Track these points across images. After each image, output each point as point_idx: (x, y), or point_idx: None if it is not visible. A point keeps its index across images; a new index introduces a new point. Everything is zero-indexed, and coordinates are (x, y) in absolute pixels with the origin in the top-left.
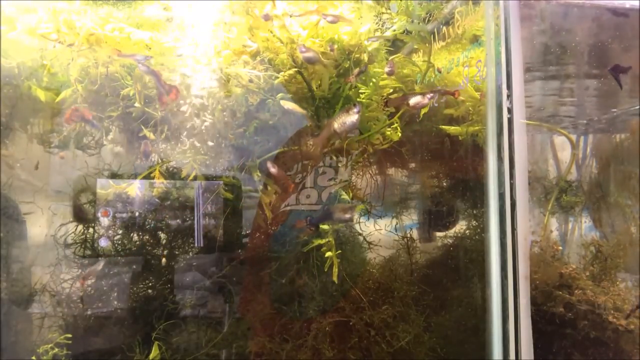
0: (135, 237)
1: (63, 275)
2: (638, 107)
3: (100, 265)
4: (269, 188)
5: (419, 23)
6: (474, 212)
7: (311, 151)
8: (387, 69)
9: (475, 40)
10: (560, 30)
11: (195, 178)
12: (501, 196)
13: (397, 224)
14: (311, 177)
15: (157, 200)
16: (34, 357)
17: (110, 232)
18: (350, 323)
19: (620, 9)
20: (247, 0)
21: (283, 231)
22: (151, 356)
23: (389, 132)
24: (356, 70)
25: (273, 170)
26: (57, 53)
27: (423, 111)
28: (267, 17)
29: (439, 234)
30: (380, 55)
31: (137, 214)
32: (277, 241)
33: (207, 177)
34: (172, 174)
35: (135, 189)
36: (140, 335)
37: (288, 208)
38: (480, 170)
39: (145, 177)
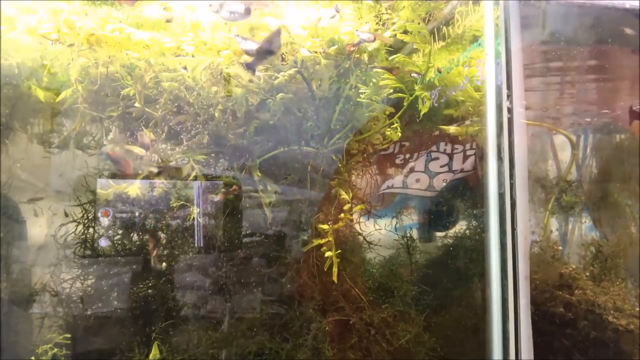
0: (135, 237)
1: (63, 275)
2: (638, 107)
3: None
4: (268, 188)
5: (418, 23)
6: (474, 212)
7: None
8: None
9: (475, 40)
10: (560, 30)
11: (195, 178)
12: (501, 196)
13: (397, 223)
14: (422, 161)
15: (156, 199)
16: (33, 358)
17: (110, 232)
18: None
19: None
20: (247, 0)
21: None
22: (151, 356)
23: (389, 132)
24: (357, 40)
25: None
26: (57, 53)
27: (423, 111)
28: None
29: (439, 234)
30: (380, 55)
31: (137, 213)
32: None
33: (207, 177)
34: (172, 175)
35: (135, 189)
36: (140, 335)
37: (393, 191)
38: (480, 170)
39: (145, 177)
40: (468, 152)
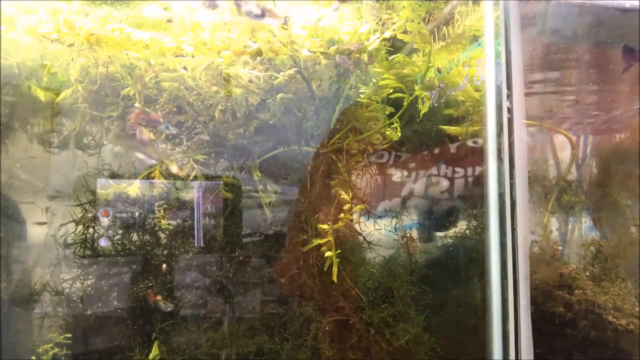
0: (135, 237)
1: (63, 275)
2: (638, 107)
3: None
4: (268, 188)
5: (418, 23)
6: (474, 212)
7: None
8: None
9: (475, 40)
10: (560, 30)
11: (195, 178)
12: (501, 196)
13: (396, 223)
14: (421, 184)
15: (156, 199)
16: (33, 357)
17: (110, 232)
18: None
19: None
20: (249, 0)
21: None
22: (151, 356)
23: (389, 132)
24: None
25: None
26: (57, 53)
27: (423, 111)
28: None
29: (439, 234)
30: (380, 55)
31: (137, 214)
32: None
33: (207, 177)
34: (172, 174)
35: (135, 189)
36: (140, 335)
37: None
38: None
39: (145, 177)
40: (470, 178)
